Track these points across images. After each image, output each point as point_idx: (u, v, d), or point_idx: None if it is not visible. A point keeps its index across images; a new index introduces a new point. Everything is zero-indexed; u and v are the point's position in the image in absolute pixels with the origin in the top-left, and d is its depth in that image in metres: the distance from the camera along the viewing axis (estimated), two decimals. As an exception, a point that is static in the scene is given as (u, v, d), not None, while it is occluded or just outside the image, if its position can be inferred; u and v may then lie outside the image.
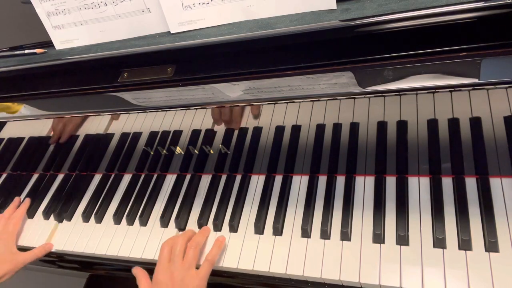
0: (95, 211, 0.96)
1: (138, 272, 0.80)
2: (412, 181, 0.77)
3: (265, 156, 0.87)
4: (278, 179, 0.87)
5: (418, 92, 0.65)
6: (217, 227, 0.84)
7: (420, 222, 0.72)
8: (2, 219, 0.96)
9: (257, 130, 0.84)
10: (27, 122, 1.04)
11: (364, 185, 0.80)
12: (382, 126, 0.75)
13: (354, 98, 0.71)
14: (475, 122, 0.68)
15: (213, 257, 0.77)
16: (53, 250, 0.94)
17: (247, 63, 0.68)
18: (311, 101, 0.75)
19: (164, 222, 0.88)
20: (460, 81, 0.56)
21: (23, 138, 1.10)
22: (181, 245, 0.77)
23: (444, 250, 0.68)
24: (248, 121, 0.83)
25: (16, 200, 1.04)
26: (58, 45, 0.88)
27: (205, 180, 0.94)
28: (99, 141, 1.01)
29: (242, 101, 0.69)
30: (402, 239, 0.70)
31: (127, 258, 0.87)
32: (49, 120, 0.99)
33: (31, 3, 0.83)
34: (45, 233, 0.97)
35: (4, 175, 1.18)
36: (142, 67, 0.76)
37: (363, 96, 0.69)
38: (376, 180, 0.79)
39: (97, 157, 1.04)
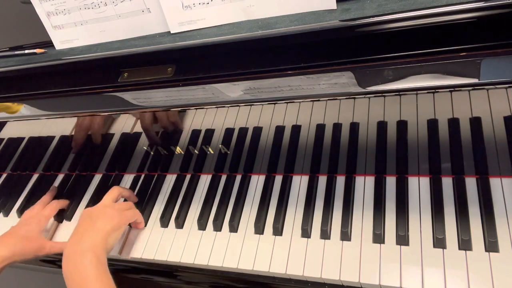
0: (95, 211, 0.96)
1: None
2: (412, 181, 0.77)
3: (265, 156, 0.87)
4: (278, 179, 0.87)
5: (418, 92, 0.65)
6: (217, 227, 0.84)
7: (420, 222, 0.72)
8: (39, 204, 0.97)
9: (257, 130, 0.84)
10: (27, 122, 1.04)
11: (364, 185, 0.80)
12: (382, 126, 0.75)
13: (354, 98, 0.71)
14: (475, 122, 0.68)
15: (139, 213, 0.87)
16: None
17: (247, 63, 0.68)
18: (311, 101, 0.75)
19: (164, 222, 0.88)
20: (460, 81, 0.56)
21: (23, 138, 1.10)
22: (115, 192, 0.86)
23: (444, 250, 0.68)
24: (248, 121, 0.83)
25: (53, 189, 1.04)
26: (58, 45, 0.88)
27: (205, 180, 0.94)
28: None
29: (242, 101, 0.69)
30: (402, 239, 0.70)
31: (129, 259, 0.87)
32: (49, 120, 0.99)
33: (31, 3, 0.83)
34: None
35: (4, 175, 1.18)
36: (142, 67, 0.76)
37: (363, 96, 0.69)
38: (376, 180, 0.79)
39: (97, 157, 1.04)
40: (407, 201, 0.75)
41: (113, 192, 0.87)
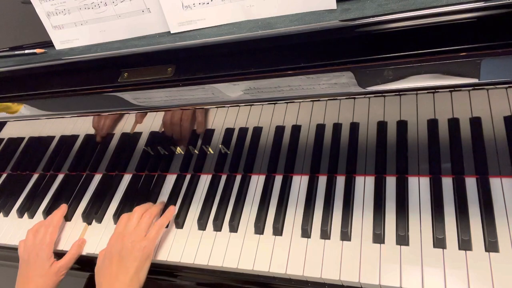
0: (95, 212, 0.96)
1: None
2: (412, 181, 0.77)
3: (265, 156, 0.87)
4: (278, 179, 0.87)
5: (418, 92, 0.65)
6: (217, 227, 0.84)
7: (420, 222, 0.72)
8: (42, 227, 0.93)
9: (257, 130, 0.84)
10: (27, 122, 1.04)
11: (364, 185, 0.80)
12: (382, 126, 0.75)
13: (354, 98, 0.71)
14: (475, 122, 0.68)
15: (162, 223, 0.84)
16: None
17: (247, 63, 0.68)
18: (311, 101, 0.75)
19: (164, 222, 0.88)
20: (460, 81, 0.56)
21: (23, 138, 1.10)
22: (138, 215, 0.85)
23: (444, 250, 0.68)
24: (248, 121, 0.83)
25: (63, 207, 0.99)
26: (58, 45, 0.88)
27: (205, 180, 0.94)
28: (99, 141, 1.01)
29: (242, 101, 0.69)
30: (402, 239, 0.70)
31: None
32: (49, 120, 0.99)
33: (31, 3, 0.83)
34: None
35: (4, 175, 1.18)
36: (142, 67, 0.76)
37: (363, 96, 0.69)
38: (376, 180, 0.79)
39: (97, 157, 1.04)
40: (407, 201, 0.75)
41: (136, 213, 0.85)
